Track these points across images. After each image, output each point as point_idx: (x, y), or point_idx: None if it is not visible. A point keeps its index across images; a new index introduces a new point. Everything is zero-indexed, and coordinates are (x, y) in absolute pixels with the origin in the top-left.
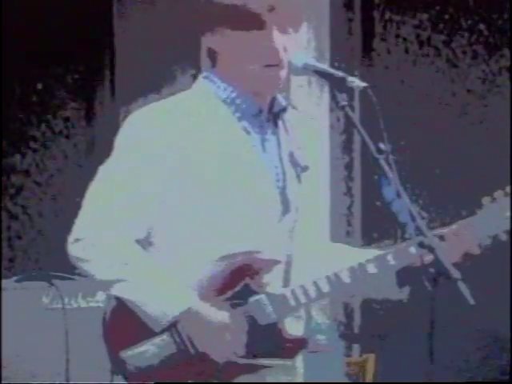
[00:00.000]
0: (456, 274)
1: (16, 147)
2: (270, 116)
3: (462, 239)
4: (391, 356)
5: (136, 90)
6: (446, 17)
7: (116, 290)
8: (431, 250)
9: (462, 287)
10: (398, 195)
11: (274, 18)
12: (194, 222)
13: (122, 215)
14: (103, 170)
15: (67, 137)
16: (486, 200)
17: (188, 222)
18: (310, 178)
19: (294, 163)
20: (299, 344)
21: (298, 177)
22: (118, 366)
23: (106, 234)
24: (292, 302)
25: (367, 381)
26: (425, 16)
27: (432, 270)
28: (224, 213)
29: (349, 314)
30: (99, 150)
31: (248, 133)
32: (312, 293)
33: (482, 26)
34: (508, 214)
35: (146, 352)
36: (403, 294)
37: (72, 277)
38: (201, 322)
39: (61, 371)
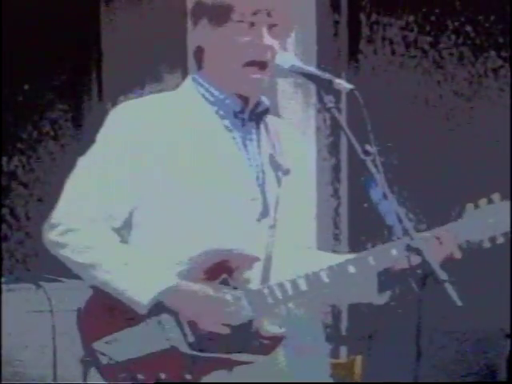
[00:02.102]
0: (443, 275)
1: (2, 149)
2: (253, 116)
3: (444, 243)
4: (379, 357)
5: (123, 90)
6: (433, 18)
7: (96, 279)
8: (419, 252)
9: (449, 289)
10: (385, 197)
11: (264, 19)
12: (172, 215)
13: (99, 203)
14: (83, 159)
15: (54, 138)
16: (469, 207)
17: (166, 216)
18: (296, 179)
19: (275, 166)
20: (275, 341)
21: (279, 179)
22: (91, 357)
23: (82, 220)
24: (269, 299)
25: (354, 382)
26: (411, 18)
27: (419, 271)
28: (203, 209)
29: (336, 315)
30: (86, 151)
31: (230, 131)
32: (290, 291)
33: (468, 28)
34: (491, 221)
35: (121, 341)
36: (383, 298)
37: (60, 278)
38: (186, 296)
39: (48, 373)
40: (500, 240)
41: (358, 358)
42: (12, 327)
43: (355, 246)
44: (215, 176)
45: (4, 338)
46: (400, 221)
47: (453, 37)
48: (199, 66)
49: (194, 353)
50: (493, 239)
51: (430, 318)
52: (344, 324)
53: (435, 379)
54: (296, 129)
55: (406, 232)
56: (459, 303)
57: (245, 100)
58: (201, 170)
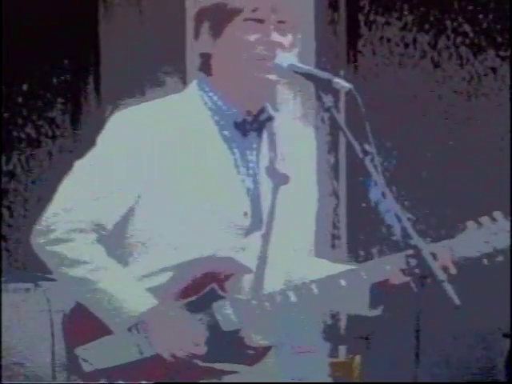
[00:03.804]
0: (441, 275)
1: (1, 148)
2: (255, 125)
3: (439, 259)
4: (377, 357)
5: (122, 91)
6: (431, 18)
7: (78, 294)
8: (417, 250)
9: (448, 288)
10: (384, 196)
11: (272, 16)
12: (164, 222)
13: (91, 208)
14: (79, 163)
15: (53, 138)
16: (470, 224)
17: (159, 222)
18: (297, 186)
19: (273, 175)
20: (261, 352)
21: (276, 188)
22: (73, 363)
23: (71, 229)
24: (258, 310)
25: (353, 382)
26: (410, 17)
27: (418, 270)
28: (196, 217)
29: (335, 315)
30: (85, 151)
31: (229, 142)
32: (279, 302)
33: (467, 28)
34: (490, 239)
35: (102, 350)
36: (375, 312)
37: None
38: (161, 322)
39: (47, 372)
40: (499, 258)
41: (357, 358)
42: (11, 327)
43: (354, 245)
44: (210, 186)
45: (3, 337)
46: (399, 220)
47: (451, 36)
48: (208, 73)
49: (180, 361)
50: (492, 257)
51: (429, 317)
52: (343, 323)
53: (433, 379)
54: (301, 133)
55: (404, 231)
56: (458, 303)
57: (251, 105)
58: (196, 179)
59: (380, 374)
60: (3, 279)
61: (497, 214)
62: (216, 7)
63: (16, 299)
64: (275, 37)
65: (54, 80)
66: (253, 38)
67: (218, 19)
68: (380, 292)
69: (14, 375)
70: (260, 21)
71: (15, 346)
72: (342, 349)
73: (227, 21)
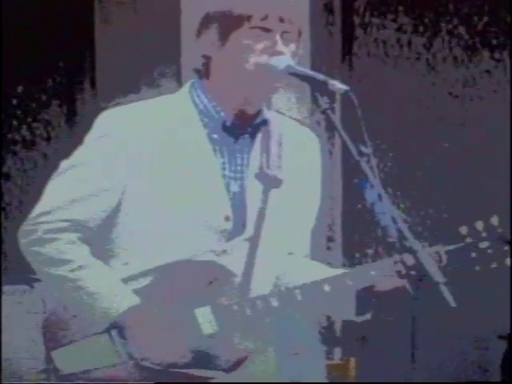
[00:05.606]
0: (438, 277)
1: None
2: (250, 129)
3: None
4: (373, 359)
5: (117, 92)
6: (426, 20)
7: (61, 293)
8: (413, 252)
9: (444, 290)
10: (380, 198)
11: (279, 26)
12: (146, 225)
13: (74, 210)
14: (63, 164)
15: (48, 139)
16: (463, 229)
17: (140, 224)
18: (295, 187)
19: (263, 178)
20: (240, 359)
21: (266, 192)
22: (52, 366)
23: (54, 229)
24: (237, 315)
25: (349, 383)
26: (405, 19)
27: (414, 272)
28: (179, 221)
29: (330, 317)
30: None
31: (218, 144)
32: (260, 307)
33: (461, 30)
34: (482, 244)
35: (76, 353)
36: (363, 318)
37: None
38: (141, 325)
39: (42, 372)
40: (493, 265)
41: (352, 360)
42: (6, 329)
43: (349, 247)
44: (192, 189)
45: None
46: (395, 222)
47: (446, 38)
48: (205, 75)
49: (157, 367)
50: (485, 264)
51: (424, 319)
52: (338, 325)
53: (429, 380)
54: (302, 135)
55: (400, 233)
56: (453, 304)
57: (249, 108)
58: (179, 181)
59: (376, 376)
60: None
61: (493, 220)
62: (225, 12)
63: (12, 301)
64: (280, 46)
65: (50, 82)
66: (260, 46)
67: (226, 24)
68: (367, 298)
69: (12, 376)
70: (267, 30)
71: (12, 346)
72: (337, 351)
73: (235, 27)
